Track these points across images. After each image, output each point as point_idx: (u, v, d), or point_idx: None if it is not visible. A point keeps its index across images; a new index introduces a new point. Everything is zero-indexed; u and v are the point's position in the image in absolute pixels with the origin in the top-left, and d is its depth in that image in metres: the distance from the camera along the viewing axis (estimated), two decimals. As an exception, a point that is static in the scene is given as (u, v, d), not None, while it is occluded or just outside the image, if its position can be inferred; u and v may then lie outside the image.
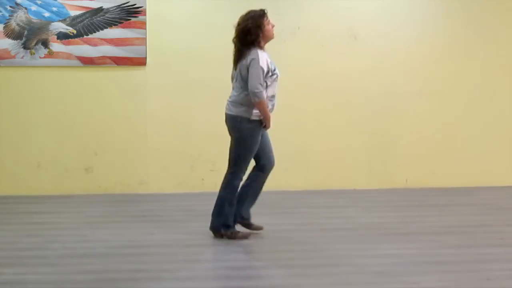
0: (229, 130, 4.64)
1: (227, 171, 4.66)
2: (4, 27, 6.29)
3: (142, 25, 6.40)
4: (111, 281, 3.85)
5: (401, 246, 4.54)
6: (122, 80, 6.51)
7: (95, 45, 6.37)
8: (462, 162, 6.84)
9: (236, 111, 4.52)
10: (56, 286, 3.75)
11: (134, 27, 6.40)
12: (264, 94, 4.38)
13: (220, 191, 4.63)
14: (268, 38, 4.53)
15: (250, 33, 4.43)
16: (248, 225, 4.74)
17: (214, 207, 4.63)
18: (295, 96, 6.52)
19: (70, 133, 6.49)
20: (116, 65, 6.44)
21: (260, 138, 4.56)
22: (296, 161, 6.62)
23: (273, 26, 4.53)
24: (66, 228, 5.12)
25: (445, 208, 5.82)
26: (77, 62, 6.39)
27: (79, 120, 6.50)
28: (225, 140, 6.57)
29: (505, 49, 6.85)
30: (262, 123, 4.51)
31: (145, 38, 6.41)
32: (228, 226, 4.61)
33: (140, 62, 6.45)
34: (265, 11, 4.51)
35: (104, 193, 6.46)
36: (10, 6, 6.29)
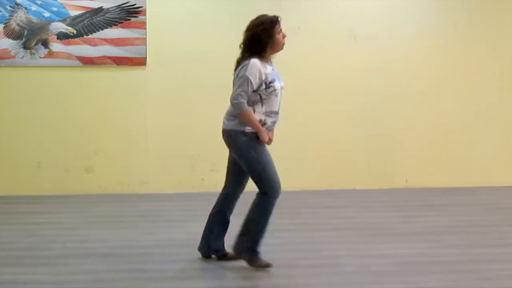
0: (227, 147, 4.21)
1: (259, 193, 4.05)
2: (4, 27, 6.29)
3: (142, 25, 6.41)
4: (111, 281, 3.85)
5: (401, 246, 4.54)
6: (122, 80, 6.51)
7: (95, 45, 6.37)
8: (462, 162, 6.84)
9: (229, 125, 4.09)
10: (56, 286, 3.75)
11: (134, 27, 6.40)
12: (245, 105, 3.92)
13: (254, 215, 4.06)
14: (277, 49, 4.06)
15: (260, 41, 3.98)
16: (223, 256, 4.22)
17: (242, 228, 4.09)
18: (295, 96, 6.49)
19: (70, 133, 6.49)
20: (116, 65, 6.44)
21: (265, 147, 4.05)
22: (296, 161, 6.62)
23: (284, 37, 4.06)
24: (66, 228, 5.12)
25: (445, 208, 5.82)
26: (77, 62, 6.39)
27: (79, 120, 6.50)
28: (225, 140, 6.62)
29: (505, 49, 6.86)
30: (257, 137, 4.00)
31: (145, 38, 6.41)
32: (255, 252, 4.05)
33: (140, 62, 6.45)
34: (279, 18, 4.04)
35: (104, 193, 6.46)
36: (10, 6, 6.29)
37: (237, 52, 6.50)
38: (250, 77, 3.92)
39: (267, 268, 4.01)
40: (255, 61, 3.95)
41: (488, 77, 6.85)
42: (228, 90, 6.91)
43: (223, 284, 3.84)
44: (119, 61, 6.43)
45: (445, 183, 6.76)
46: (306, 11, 6.58)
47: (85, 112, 6.50)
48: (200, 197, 6.31)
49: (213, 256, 4.23)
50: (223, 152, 6.62)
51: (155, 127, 6.57)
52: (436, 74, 6.81)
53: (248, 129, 4.00)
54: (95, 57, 6.39)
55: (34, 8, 6.31)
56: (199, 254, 4.33)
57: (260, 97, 3.99)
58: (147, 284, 3.79)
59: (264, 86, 3.97)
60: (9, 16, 6.29)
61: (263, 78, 3.96)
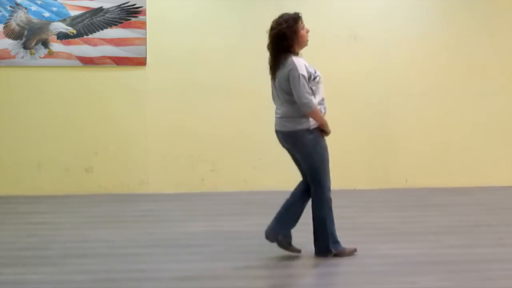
0: (288, 148, 4.26)
1: (312, 189, 4.22)
2: (4, 27, 6.29)
3: (142, 25, 6.41)
4: (111, 281, 3.85)
5: (401, 246, 4.54)
6: (122, 80, 6.51)
7: (95, 45, 6.37)
8: (462, 162, 6.84)
9: (292, 126, 4.12)
10: (56, 286, 3.75)
11: (134, 27, 6.40)
12: (314, 102, 4.05)
13: (316, 212, 4.21)
14: (303, 44, 4.17)
15: (286, 38, 4.07)
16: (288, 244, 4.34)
17: (315, 230, 4.23)
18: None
19: (70, 133, 6.49)
20: (116, 65, 6.44)
21: (325, 141, 4.19)
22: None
23: (307, 32, 4.19)
24: (66, 228, 5.12)
25: (445, 208, 5.82)
26: (77, 62, 6.39)
27: (79, 120, 6.50)
28: (225, 140, 6.63)
29: (505, 49, 6.85)
30: (321, 130, 4.16)
31: (145, 38, 6.41)
32: (337, 243, 4.24)
33: (140, 62, 6.45)
34: (300, 15, 4.19)
35: (104, 193, 6.46)
36: (10, 6, 6.29)
37: (236, 52, 6.56)
38: (303, 73, 4.02)
39: (355, 253, 4.26)
40: (297, 58, 4.09)
41: (488, 77, 6.85)
42: (228, 90, 6.94)
43: (223, 284, 3.84)
44: (119, 61, 6.43)
45: (445, 183, 6.76)
46: (306, 11, 6.55)
47: (85, 112, 6.50)
48: (200, 197, 6.34)
49: (278, 240, 4.26)
50: (223, 152, 6.68)
51: (155, 127, 6.57)
52: (436, 74, 6.81)
53: (313, 126, 4.11)
54: (95, 57, 6.39)
55: (34, 8, 6.31)
56: (199, 254, 4.33)
57: (312, 90, 4.10)
58: (147, 284, 3.79)
59: (312, 78, 4.10)
60: (9, 16, 6.29)
61: (310, 70, 4.10)
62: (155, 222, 5.31)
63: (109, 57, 6.41)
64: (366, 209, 5.80)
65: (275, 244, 4.37)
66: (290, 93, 4.07)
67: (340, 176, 6.69)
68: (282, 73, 4.08)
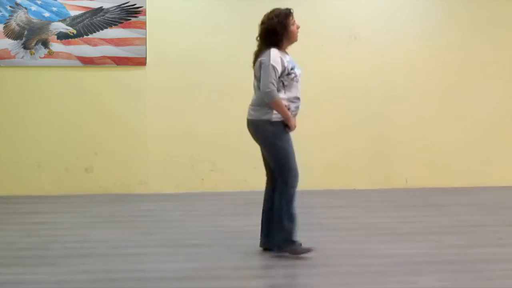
0: (253, 137, 4.27)
1: (278, 182, 4.22)
2: (4, 27, 6.29)
3: (142, 25, 6.41)
4: (111, 281, 3.85)
5: (401, 246, 4.54)
6: (122, 80, 6.51)
7: (95, 45, 6.37)
8: (462, 162, 6.84)
9: (256, 115, 4.17)
10: (56, 286, 3.75)
11: (134, 27, 6.40)
12: (276, 93, 4.05)
13: (277, 206, 4.21)
14: (292, 40, 4.23)
15: (275, 33, 4.13)
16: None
17: (274, 223, 4.22)
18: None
19: (70, 133, 6.49)
20: (116, 65, 6.44)
21: (290, 137, 4.22)
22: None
23: (298, 28, 4.23)
24: (66, 228, 5.12)
25: (445, 208, 5.82)
26: (77, 62, 6.39)
27: (79, 120, 6.50)
28: (225, 140, 6.62)
29: (505, 50, 6.86)
30: (285, 125, 4.16)
31: (145, 38, 6.41)
32: (291, 242, 4.20)
33: (140, 62, 6.45)
34: (291, 11, 4.22)
35: (104, 193, 6.46)
36: (10, 6, 6.29)
37: (236, 52, 6.56)
38: (275, 64, 4.06)
39: (309, 253, 4.19)
40: (274, 50, 4.12)
41: (488, 78, 6.85)
42: (228, 89, 6.94)
43: (223, 284, 3.84)
44: (119, 61, 6.43)
45: (445, 183, 6.76)
46: (306, 11, 6.58)
47: (85, 112, 6.50)
48: (200, 197, 6.33)
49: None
50: (223, 152, 6.68)
51: (155, 127, 6.57)
52: (436, 74, 6.81)
53: (275, 118, 4.14)
54: (95, 57, 6.39)
55: (34, 8, 6.31)
56: (199, 254, 4.33)
57: (283, 84, 4.13)
58: (147, 284, 3.79)
59: (286, 73, 4.12)
60: (9, 16, 6.29)
61: (285, 65, 4.11)
62: (155, 222, 5.31)
63: (109, 57, 6.41)
64: (366, 209, 5.80)
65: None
66: (259, 81, 4.15)
67: (340, 176, 6.75)
68: (258, 62, 4.16)
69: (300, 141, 6.64)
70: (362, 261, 4.18)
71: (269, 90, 4.06)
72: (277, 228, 4.21)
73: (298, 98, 4.23)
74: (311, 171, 6.66)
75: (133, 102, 6.54)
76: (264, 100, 4.12)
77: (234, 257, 4.31)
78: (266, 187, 4.40)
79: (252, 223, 4.83)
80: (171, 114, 6.57)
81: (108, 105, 6.52)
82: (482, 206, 5.94)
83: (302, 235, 4.79)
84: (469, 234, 4.88)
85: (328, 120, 6.72)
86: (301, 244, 4.23)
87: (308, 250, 4.21)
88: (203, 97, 6.57)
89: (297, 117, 6.50)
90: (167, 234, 4.92)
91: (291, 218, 4.18)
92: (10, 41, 6.31)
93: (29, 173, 6.46)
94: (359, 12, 6.68)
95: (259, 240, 4.37)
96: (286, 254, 4.21)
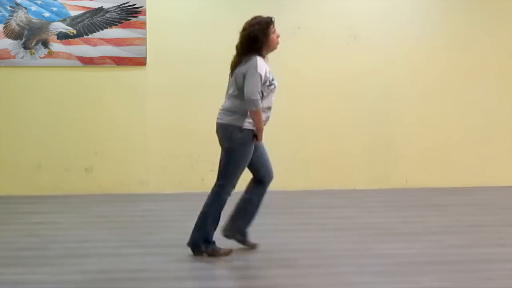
0: (219, 140, 4.35)
1: (215, 184, 4.35)
2: (4, 27, 6.29)
3: (142, 25, 6.41)
4: (111, 281, 3.85)
5: (401, 246, 4.54)
6: (122, 80, 6.51)
7: (95, 45, 6.37)
8: (462, 162, 6.84)
9: (227, 119, 4.23)
10: (56, 286, 3.75)
11: (134, 27, 6.40)
12: (260, 103, 4.09)
13: (205, 205, 4.32)
14: (271, 48, 4.27)
15: (256, 40, 4.17)
16: (243, 241, 4.46)
17: (196, 221, 4.33)
18: (295, 95, 6.52)
19: (70, 133, 6.50)
20: (116, 65, 6.44)
21: (252, 149, 4.26)
22: (296, 161, 6.62)
23: (278, 36, 4.27)
24: (66, 228, 5.12)
25: (445, 208, 5.82)
26: (77, 62, 6.39)
27: (79, 120, 6.50)
28: (225, 140, 6.61)
29: (505, 50, 6.86)
30: (254, 135, 4.21)
31: (145, 38, 6.42)
32: (209, 242, 4.30)
33: (140, 62, 6.45)
34: (272, 19, 4.24)
35: (104, 193, 6.46)
36: (10, 6, 6.29)
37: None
38: (262, 74, 4.09)
39: (229, 255, 4.28)
40: (260, 59, 4.15)
41: (488, 78, 6.86)
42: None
43: (223, 284, 3.84)
44: (119, 61, 6.43)
45: (445, 183, 6.76)
46: (306, 11, 6.58)
47: (85, 112, 6.50)
48: (200, 197, 6.26)
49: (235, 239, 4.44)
50: (223, 152, 6.65)
51: (155, 127, 6.57)
52: (436, 75, 6.81)
53: (246, 125, 4.18)
54: (95, 57, 6.39)
55: (34, 8, 6.31)
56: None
57: (262, 94, 4.14)
58: (147, 284, 3.79)
59: (267, 84, 4.15)
60: (9, 16, 6.29)
61: (267, 76, 4.14)
62: (155, 222, 5.31)
63: (109, 57, 6.41)
64: (366, 209, 5.80)
65: (275, 244, 4.38)
66: (241, 89, 4.15)
67: (340, 176, 6.75)
68: (242, 69, 4.16)
69: (300, 141, 6.72)
70: (362, 261, 4.18)
71: (255, 98, 4.07)
72: (198, 228, 4.30)
73: (269, 108, 4.27)
74: (311, 171, 6.70)
75: (133, 102, 6.54)
76: (238, 107, 4.17)
77: (234, 257, 4.31)
78: (248, 184, 4.50)
79: (252, 223, 4.82)
80: (171, 114, 6.57)
81: (108, 105, 6.52)
82: (482, 206, 5.94)
83: (302, 235, 4.82)
84: (469, 234, 4.89)
85: (328, 120, 6.72)
86: (220, 249, 4.33)
87: (226, 254, 4.30)
88: (203, 97, 6.56)
89: (298, 117, 6.59)
90: (167, 234, 4.92)
91: (215, 221, 4.28)
92: (10, 41, 6.31)
93: (29, 173, 6.46)
94: (359, 12, 6.68)
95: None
96: (204, 254, 4.29)
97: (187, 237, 4.79)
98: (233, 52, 6.90)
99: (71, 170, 6.50)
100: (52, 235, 4.87)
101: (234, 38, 6.52)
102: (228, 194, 4.30)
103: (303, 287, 3.79)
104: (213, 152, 6.63)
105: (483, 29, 6.82)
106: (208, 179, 6.59)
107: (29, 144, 6.45)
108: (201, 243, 4.29)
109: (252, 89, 4.07)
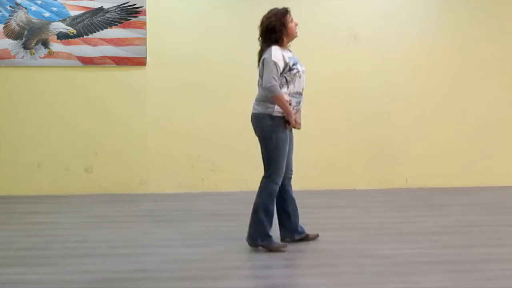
0: (254, 131, 4.40)
1: (263, 176, 4.38)
2: (4, 27, 6.29)
3: (142, 25, 6.41)
4: (111, 281, 3.85)
5: (401, 246, 4.54)
6: (122, 80, 6.51)
7: (95, 45, 6.37)
8: (462, 162, 6.84)
9: (258, 109, 4.31)
10: (56, 286, 3.75)
11: (134, 27, 6.40)
12: (277, 88, 4.17)
13: (256, 198, 4.34)
14: (292, 37, 4.38)
15: (275, 30, 4.28)
16: (306, 237, 4.60)
17: (250, 216, 4.36)
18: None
19: (70, 133, 6.50)
20: (116, 65, 6.44)
21: (286, 135, 4.34)
22: (296, 161, 6.59)
23: (296, 25, 4.38)
24: (66, 228, 5.12)
25: (445, 208, 5.82)
26: (77, 62, 6.39)
27: (79, 120, 6.51)
28: (225, 140, 6.63)
29: (505, 50, 6.86)
30: (286, 121, 4.29)
31: (145, 38, 6.42)
32: (265, 236, 4.34)
33: (140, 62, 6.45)
34: (288, 9, 4.38)
35: (104, 193, 6.46)
36: (10, 6, 6.29)
37: (236, 52, 6.57)
38: (276, 61, 4.19)
39: (284, 249, 4.35)
40: (275, 47, 4.25)
41: (488, 77, 6.86)
42: (228, 90, 6.96)
43: (224, 285, 3.83)
44: (119, 61, 6.43)
45: (445, 183, 6.77)
46: (306, 11, 6.58)
47: (85, 112, 6.51)
48: (200, 197, 6.34)
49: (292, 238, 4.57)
50: (223, 152, 6.68)
51: (155, 127, 6.57)
52: (436, 74, 6.81)
53: (276, 113, 4.26)
54: (95, 57, 6.39)
55: (34, 8, 6.31)
56: (199, 254, 4.33)
57: (286, 79, 4.25)
58: (147, 284, 3.79)
59: (288, 69, 4.25)
60: (9, 16, 6.30)
61: (287, 61, 4.24)
62: (155, 222, 5.31)
63: (109, 57, 6.41)
64: (366, 209, 5.80)
65: (275, 244, 4.38)
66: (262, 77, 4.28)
67: (340, 176, 6.75)
68: (261, 59, 4.29)
69: (300, 141, 6.68)
70: (362, 261, 4.18)
71: (270, 85, 4.17)
72: (252, 222, 4.34)
73: (300, 93, 4.36)
74: (312, 171, 6.70)
75: (133, 102, 6.54)
76: (267, 96, 4.24)
77: (234, 257, 4.31)
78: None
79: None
80: (171, 114, 6.57)
81: (108, 105, 6.52)
82: (482, 206, 5.94)
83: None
84: (469, 234, 4.88)
85: (328, 120, 6.72)
86: (275, 243, 4.39)
87: (283, 246, 4.39)
88: (203, 97, 6.57)
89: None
90: (167, 234, 4.92)
91: (267, 212, 4.31)
92: (10, 41, 6.31)
93: (29, 173, 6.46)
94: (359, 12, 6.68)
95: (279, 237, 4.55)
96: (260, 248, 4.36)
97: (187, 236, 4.81)
98: (233, 52, 6.95)
99: (71, 170, 6.50)
100: (52, 235, 4.87)
101: (234, 38, 6.59)
102: (276, 183, 4.34)
103: (303, 287, 3.78)
104: (213, 152, 6.70)
105: (483, 29, 6.82)
106: (208, 179, 6.64)
107: (29, 144, 6.46)
108: (257, 237, 4.34)
109: (266, 76, 4.18)
